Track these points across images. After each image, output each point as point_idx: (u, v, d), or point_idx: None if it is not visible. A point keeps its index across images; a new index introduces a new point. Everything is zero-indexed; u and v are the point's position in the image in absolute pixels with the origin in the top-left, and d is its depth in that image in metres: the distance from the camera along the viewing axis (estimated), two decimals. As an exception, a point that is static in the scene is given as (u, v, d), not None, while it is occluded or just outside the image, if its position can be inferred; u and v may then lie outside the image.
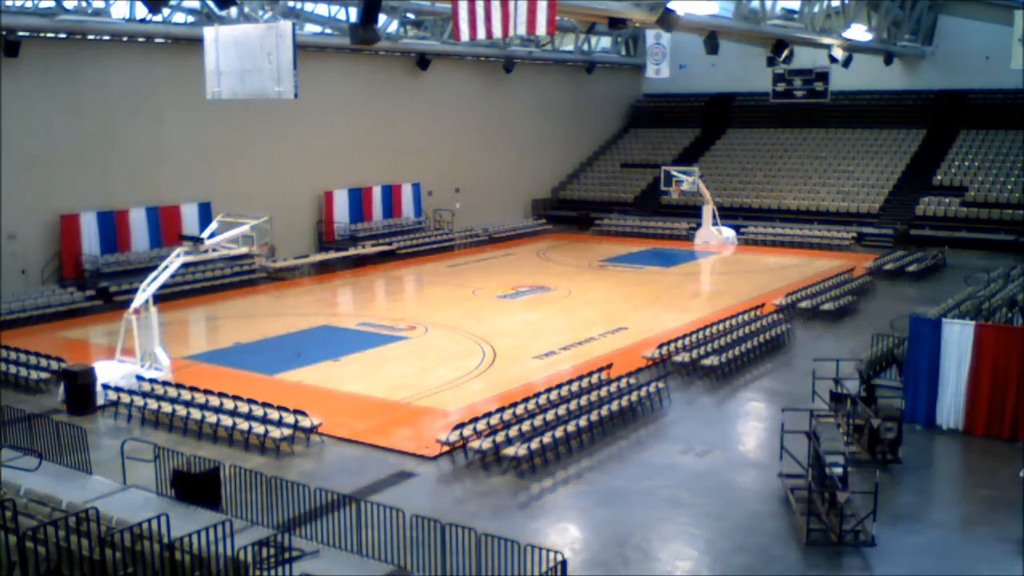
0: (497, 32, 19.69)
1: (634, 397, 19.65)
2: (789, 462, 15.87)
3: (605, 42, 53.96)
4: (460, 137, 46.65)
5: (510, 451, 16.66)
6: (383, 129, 42.59)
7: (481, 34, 19.62)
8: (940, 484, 17.30)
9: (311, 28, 37.58)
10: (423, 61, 43.44)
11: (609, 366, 21.75)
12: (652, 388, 20.17)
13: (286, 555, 11.44)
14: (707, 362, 22.50)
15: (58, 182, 31.43)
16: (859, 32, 41.75)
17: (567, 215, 50.62)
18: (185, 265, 25.55)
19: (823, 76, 45.17)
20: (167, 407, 19.25)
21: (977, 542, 13.97)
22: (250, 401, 18.85)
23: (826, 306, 28.33)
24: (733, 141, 53.51)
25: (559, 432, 17.40)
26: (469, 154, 47.10)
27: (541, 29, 20.10)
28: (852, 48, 42.64)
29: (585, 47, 52.02)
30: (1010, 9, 39.84)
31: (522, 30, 19.92)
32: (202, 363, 24.08)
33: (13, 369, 22.31)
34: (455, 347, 25.67)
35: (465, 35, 19.55)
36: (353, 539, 13.08)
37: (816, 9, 37.96)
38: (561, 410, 18.72)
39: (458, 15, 19.35)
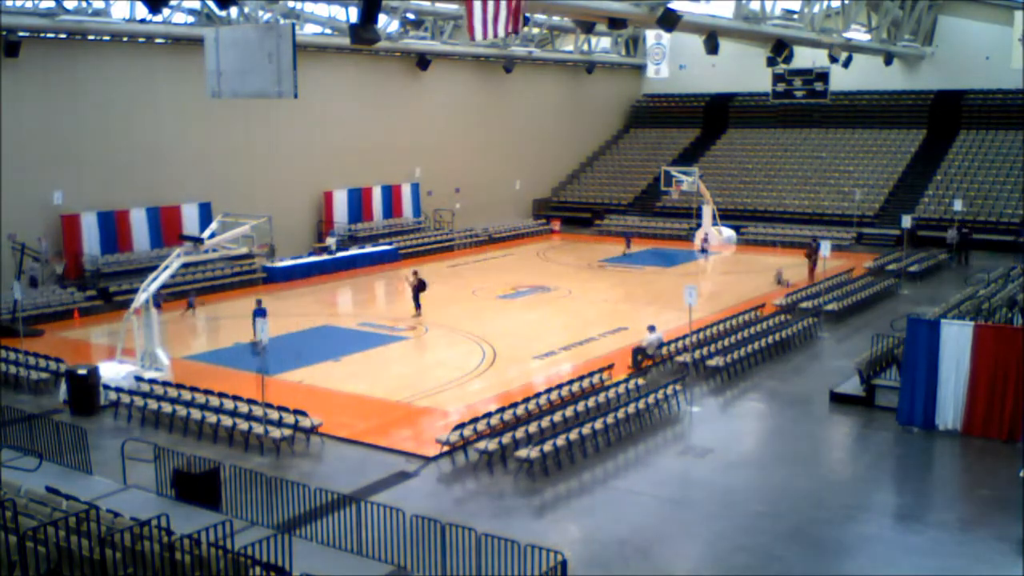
0: (504, 31, 19.88)
1: (651, 400, 19.42)
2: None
3: (605, 42, 53.94)
4: (460, 137, 46.64)
5: (521, 453, 16.57)
6: (383, 129, 42.58)
7: (491, 34, 19.78)
8: (940, 484, 17.31)
9: (311, 28, 37.59)
10: (423, 61, 43.44)
11: (610, 366, 21.75)
12: (669, 391, 19.97)
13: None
14: (712, 362, 22.48)
15: (58, 182, 31.43)
16: (859, 32, 41.77)
17: (567, 215, 50.56)
18: (185, 265, 25.58)
19: (823, 76, 45.11)
20: (167, 407, 19.25)
21: (977, 542, 13.96)
22: (250, 401, 18.85)
23: (830, 306, 28.24)
24: (733, 141, 53.49)
25: (573, 435, 17.28)
26: (469, 154, 47.10)
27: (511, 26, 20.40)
28: (852, 48, 42.62)
29: (585, 47, 52.01)
30: (1010, 9, 39.88)
31: (510, 28, 20.14)
32: (202, 363, 24.08)
33: (13, 369, 22.32)
34: (455, 347, 25.67)
35: (479, 35, 19.67)
36: (353, 539, 13.10)
37: (816, 9, 37.97)
38: (568, 412, 18.68)
39: (472, 16, 19.48)
